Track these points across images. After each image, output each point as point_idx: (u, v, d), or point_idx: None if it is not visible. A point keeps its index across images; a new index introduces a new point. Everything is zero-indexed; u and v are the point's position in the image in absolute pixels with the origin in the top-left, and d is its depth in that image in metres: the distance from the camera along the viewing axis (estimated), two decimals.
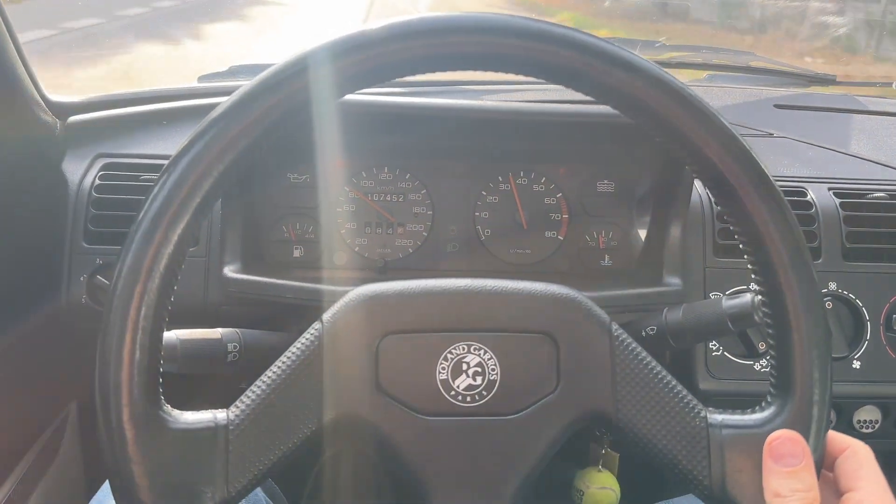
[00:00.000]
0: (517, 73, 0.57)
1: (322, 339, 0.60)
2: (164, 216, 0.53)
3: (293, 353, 0.60)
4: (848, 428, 1.07)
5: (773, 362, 0.58)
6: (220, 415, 0.57)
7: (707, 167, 0.56)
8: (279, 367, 0.59)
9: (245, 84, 0.55)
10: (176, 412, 0.56)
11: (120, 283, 0.53)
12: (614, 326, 0.63)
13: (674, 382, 0.62)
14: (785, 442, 0.54)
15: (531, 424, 0.60)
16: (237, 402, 0.58)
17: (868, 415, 1.08)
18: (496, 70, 0.57)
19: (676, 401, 0.60)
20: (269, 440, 0.57)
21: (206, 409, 0.58)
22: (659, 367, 0.62)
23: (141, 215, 0.54)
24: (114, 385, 0.52)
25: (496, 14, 0.55)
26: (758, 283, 0.58)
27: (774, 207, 0.56)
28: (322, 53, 0.54)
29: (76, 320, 1.02)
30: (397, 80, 0.58)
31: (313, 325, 0.61)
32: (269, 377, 0.59)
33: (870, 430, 1.09)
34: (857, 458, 0.54)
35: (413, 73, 0.57)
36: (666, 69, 0.55)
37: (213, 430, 0.56)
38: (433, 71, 0.57)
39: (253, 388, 0.58)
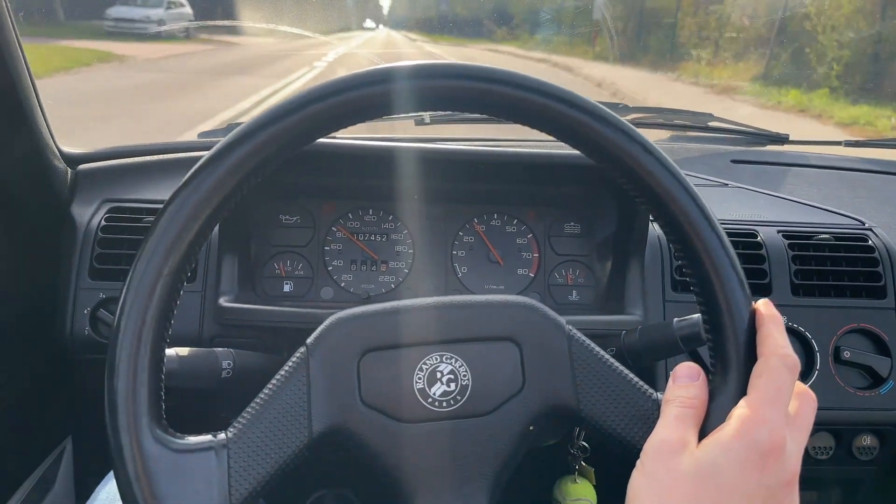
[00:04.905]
0: (504, 117, 0.63)
1: (307, 360, 0.66)
2: (167, 236, 0.59)
3: (282, 374, 0.66)
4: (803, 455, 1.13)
5: (710, 347, 0.63)
6: (220, 435, 0.62)
7: (656, 203, 0.62)
8: (270, 389, 0.65)
9: (231, 133, 0.60)
10: (179, 434, 0.61)
11: (127, 302, 0.58)
12: (569, 328, 0.70)
13: (626, 371, 0.68)
14: (683, 367, 0.60)
15: (502, 421, 0.67)
16: (234, 424, 0.64)
17: (821, 441, 1.15)
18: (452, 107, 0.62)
19: (630, 387, 0.67)
20: (265, 454, 0.62)
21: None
22: (612, 360, 0.69)
23: (147, 237, 0.59)
24: (122, 410, 0.57)
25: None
26: (700, 304, 0.63)
27: (713, 236, 0.61)
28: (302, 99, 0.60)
29: (78, 351, 1.08)
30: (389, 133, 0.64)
31: (298, 349, 0.67)
32: (261, 398, 0.65)
33: (824, 458, 1.15)
34: (759, 366, 0.57)
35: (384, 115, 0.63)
36: None
37: (214, 449, 0.61)
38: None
39: (247, 409, 0.64)
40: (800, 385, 0.58)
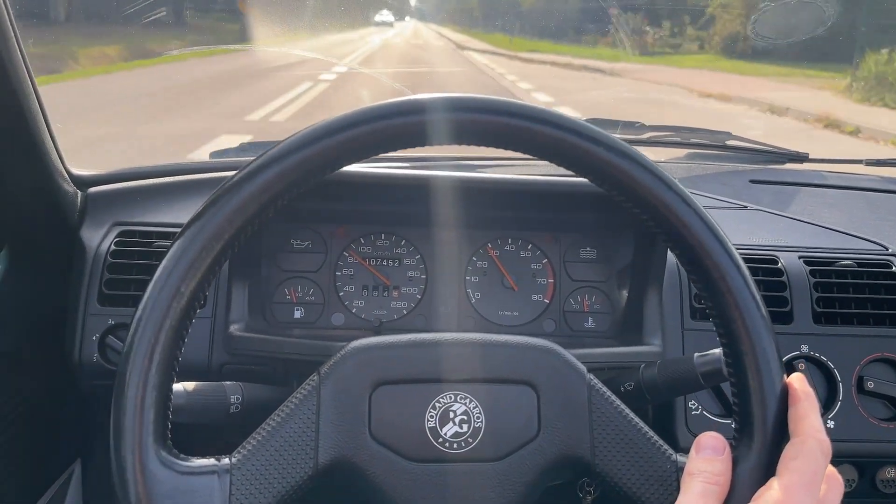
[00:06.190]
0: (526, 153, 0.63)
1: (318, 389, 0.65)
2: (177, 271, 0.58)
3: (292, 402, 0.65)
4: None
5: (735, 409, 0.62)
6: (224, 460, 0.61)
7: (675, 238, 0.61)
8: (278, 416, 0.64)
9: (255, 158, 0.60)
10: (183, 456, 0.60)
11: (136, 333, 0.58)
12: (590, 377, 0.68)
13: (646, 429, 0.67)
14: (709, 438, 0.59)
15: (514, 469, 0.65)
16: (239, 449, 0.63)
17: (844, 474, 1.12)
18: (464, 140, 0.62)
19: (649, 446, 0.65)
20: (268, 482, 0.61)
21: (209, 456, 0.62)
22: (632, 415, 0.67)
23: (159, 270, 0.59)
24: (128, 430, 0.57)
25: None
26: (721, 339, 0.62)
27: (735, 275, 0.59)
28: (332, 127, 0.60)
29: (86, 378, 1.07)
30: (397, 154, 0.63)
31: (311, 377, 0.66)
32: (269, 425, 0.64)
33: (847, 490, 1.12)
34: (794, 448, 0.55)
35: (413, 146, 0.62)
36: (645, 148, 0.61)
37: (218, 472, 0.60)
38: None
39: (254, 435, 0.63)
40: (829, 468, 0.56)
